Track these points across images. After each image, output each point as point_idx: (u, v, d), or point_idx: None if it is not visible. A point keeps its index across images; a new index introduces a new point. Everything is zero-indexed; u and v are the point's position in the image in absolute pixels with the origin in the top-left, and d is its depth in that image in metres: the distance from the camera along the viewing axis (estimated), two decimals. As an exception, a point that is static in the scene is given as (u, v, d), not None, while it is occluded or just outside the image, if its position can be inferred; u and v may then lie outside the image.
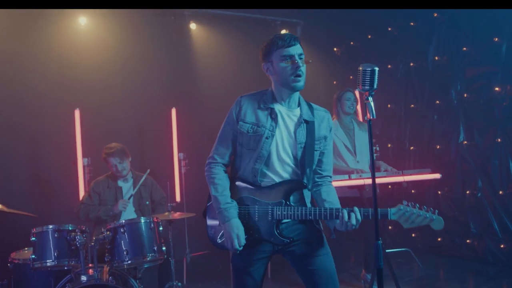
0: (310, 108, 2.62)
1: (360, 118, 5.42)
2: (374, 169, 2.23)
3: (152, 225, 3.73)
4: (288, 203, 2.47)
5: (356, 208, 2.36)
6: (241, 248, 2.45)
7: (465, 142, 5.74)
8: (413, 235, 6.32)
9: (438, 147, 6.05)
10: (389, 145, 6.63)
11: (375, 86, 2.19)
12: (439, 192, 6.01)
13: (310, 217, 2.43)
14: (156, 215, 4.12)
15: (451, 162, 5.87)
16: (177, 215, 4.34)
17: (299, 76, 2.47)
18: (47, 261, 3.43)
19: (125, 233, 3.59)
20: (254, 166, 2.51)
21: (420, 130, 6.33)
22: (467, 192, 5.71)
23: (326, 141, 2.61)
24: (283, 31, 7.09)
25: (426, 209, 2.40)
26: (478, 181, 5.59)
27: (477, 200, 5.60)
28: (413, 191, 6.32)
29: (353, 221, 2.34)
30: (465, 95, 5.74)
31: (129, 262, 3.57)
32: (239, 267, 2.58)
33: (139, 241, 3.60)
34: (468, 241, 5.71)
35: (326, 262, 2.53)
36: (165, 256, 3.83)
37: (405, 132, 6.54)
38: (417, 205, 2.40)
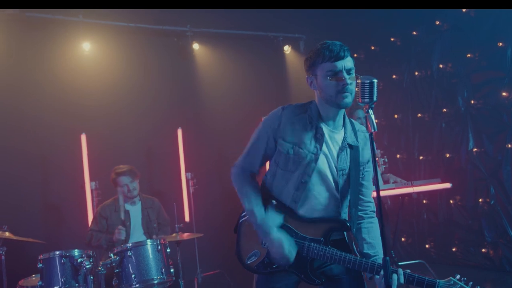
0: (354, 129, 2.36)
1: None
2: (378, 183, 2.17)
3: (159, 247, 3.70)
4: (327, 242, 2.25)
5: (400, 270, 2.15)
6: (291, 261, 2.24)
7: (475, 149, 5.66)
8: (427, 246, 6.21)
9: (448, 155, 5.97)
10: (398, 156, 6.56)
11: (374, 99, 2.13)
12: (451, 201, 5.92)
13: (349, 266, 2.20)
14: (163, 237, 4.09)
15: (462, 170, 5.79)
16: (185, 235, 4.31)
17: (345, 93, 2.20)
18: (55, 287, 3.42)
19: (132, 257, 3.57)
20: (296, 192, 2.27)
21: (429, 139, 6.25)
22: (480, 200, 5.61)
23: (368, 163, 2.37)
24: (286, 47, 7.10)
25: (474, 286, 2.17)
26: (491, 188, 5.49)
27: (490, 208, 5.50)
28: (424, 201, 6.23)
29: (394, 285, 2.11)
30: (472, 101, 5.68)
31: (137, 285, 3.55)
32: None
33: (146, 263, 3.58)
34: (483, 250, 5.59)
35: None
36: (174, 278, 3.79)
37: (413, 142, 6.47)
38: (471, 283, 2.16)
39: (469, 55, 5.68)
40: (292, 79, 7.16)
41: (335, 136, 2.31)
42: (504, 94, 5.33)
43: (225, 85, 6.77)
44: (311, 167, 2.25)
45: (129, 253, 3.57)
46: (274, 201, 2.34)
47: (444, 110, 6.02)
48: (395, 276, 2.14)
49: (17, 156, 5.49)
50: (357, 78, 2.15)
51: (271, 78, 7.03)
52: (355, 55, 7.30)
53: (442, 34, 6.01)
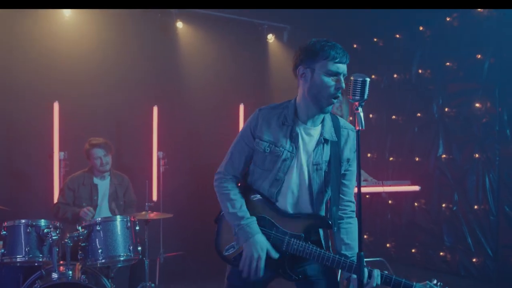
0: (336, 124, 2.35)
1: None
2: (360, 182, 2.20)
3: (128, 224, 3.64)
4: (307, 239, 2.26)
5: (377, 271, 2.17)
6: (260, 275, 2.22)
7: (444, 155, 5.81)
8: (388, 245, 6.37)
9: (417, 159, 6.11)
10: (369, 155, 6.67)
11: (365, 97, 2.15)
12: (416, 204, 6.07)
13: (327, 263, 2.21)
14: (133, 214, 4.03)
15: (429, 174, 5.94)
16: (153, 215, 4.25)
17: (337, 97, 2.22)
18: (17, 256, 3.32)
19: (101, 231, 3.49)
20: (270, 188, 2.30)
21: (400, 141, 6.38)
22: (443, 205, 5.78)
23: (349, 162, 2.34)
24: (270, 36, 7.08)
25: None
26: (455, 195, 5.66)
27: (452, 214, 5.68)
28: (390, 201, 6.36)
29: (372, 284, 2.13)
30: (446, 109, 5.82)
31: (103, 261, 3.47)
32: (236, 286, 2.39)
33: (115, 240, 3.51)
34: (441, 253, 5.77)
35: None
36: (140, 256, 3.75)
37: (385, 143, 6.58)
38: None
39: (448, 63, 5.81)
40: (272, 68, 7.14)
41: (311, 132, 2.32)
42: (477, 105, 5.48)
43: (205, 66, 6.70)
44: (286, 165, 2.28)
45: (98, 228, 3.49)
46: (256, 196, 2.35)
47: (418, 114, 6.15)
48: (376, 272, 2.16)
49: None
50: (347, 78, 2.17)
51: (252, 65, 7.00)
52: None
53: (424, 40, 6.11)
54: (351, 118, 4.96)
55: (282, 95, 7.33)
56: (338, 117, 2.43)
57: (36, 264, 3.42)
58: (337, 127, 2.34)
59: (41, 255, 3.37)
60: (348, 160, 2.34)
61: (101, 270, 3.75)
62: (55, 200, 4.60)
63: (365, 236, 6.64)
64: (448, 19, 5.78)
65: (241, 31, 6.97)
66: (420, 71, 6.15)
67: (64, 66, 5.70)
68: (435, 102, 5.93)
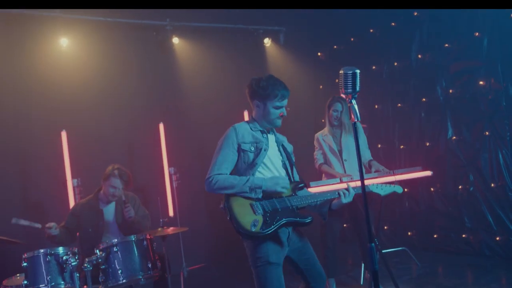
0: (276, 135, 3.28)
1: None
2: (362, 172, 2.21)
3: (145, 242, 3.69)
4: (297, 195, 3.04)
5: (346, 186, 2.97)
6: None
7: (454, 137, 5.77)
8: (409, 233, 6.32)
9: (427, 144, 6.07)
10: (379, 146, 6.64)
11: (357, 89, 2.18)
12: (432, 189, 6.03)
13: (321, 198, 3.01)
14: (148, 232, 4.06)
15: (441, 158, 5.89)
16: (170, 230, 4.28)
17: (281, 119, 3.13)
18: (40, 285, 3.40)
19: (118, 252, 3.55)
20: (254, 174, 3.01)
21: (408, 128, 6.35)
22: (460, 187, 5.72)
23: (292, 155, 3.28)
24: (266, 39, 7.11)
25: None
26: (469, 175, 5.61)
27: (469, 195, 5.62)
28: (406, 189, 6.31)
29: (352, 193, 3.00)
30: (451, 91, 5.78)
31: (124, 281, 3.53)
32: (272, 260, 2.87)
33: (133, 259, 3.57)
34: (463, 235, 5.72)
35: (311, 249, 3.13)
36: (160, 272, 3.79)
37: (394, 132, 6.55)
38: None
39: (446, 45, 5.78)
40: (272, 72, 7.11)
41: (270, 138, 3.18)
42: (481, 83, 5.44)
43: (206, 78, 6.75)
44: (264, 154, 3.06)
45: (115, 249, 3.54)
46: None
47: (423, 99, 6.11)
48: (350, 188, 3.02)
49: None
50: (287, 109, 3.13)
51: (252, 71, 6.94)
52: (335, 46, 7.35)
53: (420, 25, 6.09)
54: (352, 118, 4.96)
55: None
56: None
57: (59, 291, 3.47)
58: (278, 136, 3.28)
59: (63, 282, 3.44)
60: (292, 151, 3.31)
61: (124, 291, 3.79)
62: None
63: (385, 227, 6.60)
64: None
65: (238, 39, 7.02)
66: (419, 56, 6.12)
67: (67, 95, 5.79)
68: (439, 85, 5.90)
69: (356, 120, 2.21)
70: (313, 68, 7.59)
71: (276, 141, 3.22)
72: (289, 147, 3.31)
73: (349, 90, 2.18)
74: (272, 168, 3.09)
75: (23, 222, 3.92)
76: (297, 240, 3.07)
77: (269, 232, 2.82)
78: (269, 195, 2.94)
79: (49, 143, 5.59)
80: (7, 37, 5.56)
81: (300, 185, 3.13)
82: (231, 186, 2.92)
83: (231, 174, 3.03)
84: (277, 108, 3.07)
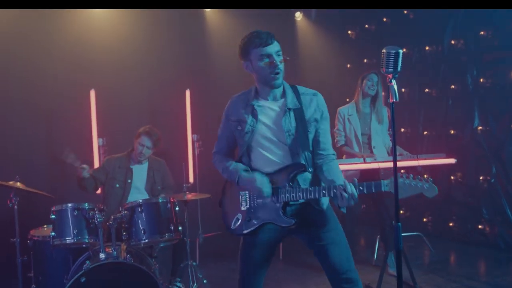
0: (296, 93, 2.66)
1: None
2: (395, 154, 2.22)
3: (169, 205, 3.77)
4: (291, 186, 2.54)
5: (347, 183, 2.39)
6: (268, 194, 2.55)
7: (480, 127, 5.71)
8: (424, 219, 6.34)
9: (452, 132, 6.02)
10: (402, 130, 6.61)
11: (398, 69, 2.19)
12: (452, 177, 6.00)
13: (311, 196, 2.48)
14: (172, 196, 4.14)
15: (464, 147, 5.84)
16: (191, 196, 4.36)
17: (278, 73, 2.56)
18: (67, 238, 3.50)
19: (143, 213, 3.64)
20: (241, 160, 2.71)
21: (434, 115, 6.29)
22: (481, 177, 5.69)
23: (318, 122, 2.65)
24: (298, 13, 7.04)
25: (420, 178, 2.44)
26: (492, 167, 5.56)
27: (490, 186, 5.59)
28: (425, 175, 6.28)
29: (350, 197, 2.37)
30: (481, 80, 5.69)
31: (147, 241, 3.63)
32: (249, 242, 2.70)
33: (157, 220, 3.66)
34: (480, 226, 5.71)
35: (335, 236, 2.62)
36: (181, 236, 3.88)
37: (419, 117, 6.50)
38: (411, 176, 2.43)
39: (482, 32, 5.65)
40: (301, 46, 7.14)
41: (274, 105, 2.65)
42: (513, 74, 5.35)
43: (235, 48, 6.67)
44: (247, 137, 2.63)
45: (140, 209, 3.63)
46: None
47: (452, 86, 6.03)
48: (350, 186, 2.37)
49: (27, 109, 5.51)
50: (284, 60, 2.58)
51: (282, 43, 6.95)
52: (366, 26, 7.25)
53: (456, 10, 5.95)
54: (383, 93, 4.91)
55: (310, 72, 7.34)
56: (297, 86, 2.72)
57: (84, 245, 3.59)
58: (298, 95, 2.65)
59: (88, 237, 3.54)
60: (315, 120, 2.63)
61: (144, 250, 3.91)
62: None
63: (401, 212, 6.62)
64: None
65: (269, 13, 6.95)
66: (453, 42, 6.01)
67: (97, 55, 5.85)
68: (469, 73, 5.80)
69: (394, 100, 2.21)
70: (343, 46, 7.52)
71: (284, 109, 2.61)
72: (313, 112, 2.62)
73: (390, 70, 2.19)
74: (266, 149, 2.63)
75: (72, 157, 4.10)
76: (308, 223, 2.62)
77: (245, 232, 2.64)
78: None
79: (77, 101, 5.68)
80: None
81: (300, 169, 2.57)
82: (220, 169, 2.80)
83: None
84: (263, 58, 2.54)
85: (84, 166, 4.18)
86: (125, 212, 3.62)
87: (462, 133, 5.91)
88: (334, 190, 2.41)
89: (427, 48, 6.36)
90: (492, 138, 5.59)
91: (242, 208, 2.66)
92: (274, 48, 2.56)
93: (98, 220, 3.44)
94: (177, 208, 3.85)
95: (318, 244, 2.61)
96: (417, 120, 6.51)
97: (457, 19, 5.95)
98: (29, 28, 5.55)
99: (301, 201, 2.58)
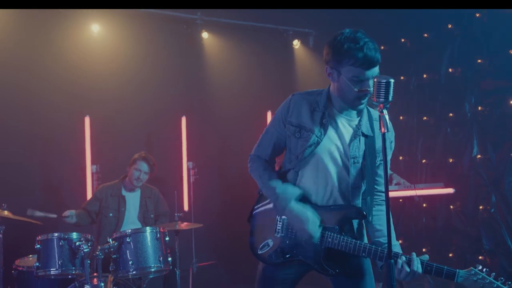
0: (370, 118, 2.29)
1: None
2: (387, 186, 2.12)
3: (158, 235, 3.68)
4: (342, 231, 2.22)
5: (414, 257, 2.09)
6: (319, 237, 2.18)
7: (479, 156, 5.64)
8: (423, 250, 6.20)
9: (451, 160, 5.95)
10: (401, 158, 6.53)
11: (390, 99, 2.10)
12: (452, 207, 5.90)
13: (363, 255, 2.17)
14: (162, 225, 4.05)
15: (464, 176, 5.76)
16: (184, 225, 4.28)
17: (365, 99, 2.20)
18: (51, 269, 3.41)
19: (131, 243, 3.55)
20: (286, 176, 2.34)
21: (432, 143, 6.23)
22: (480, 207, 5.59)
23: (380, 154, 2.27)
24: (296, 41, 7.03)
25: (496, 278, 2.08)
26: (492, 196, 5.47)
27: (490, 216, 5.49)
28: (424, 205, 6.21)
29: (414, 271, 2.07)
30: (479, 108, 5.65)
31: (134, 272, 3.53)
32: (269, 277, 2.37)
33: (145, 251, 3.56)
34: (480, 257, 5.58)
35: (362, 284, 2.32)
36: (171, 267, 3.77)
37: (417, 145, 6.44)
38: (493, 274, 2.09)
39: (479, 61, 5.64)
40: (299, 74, 7.10)
41: (346, 123, 2.28)
42: (511, 102, 5.31)
43: (232, 76, 6.72)
44: (310, 151, 2.23)
45: (128, 239, 3.54)
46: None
47: (450, 114, 5.99)
48: (416, 260, 2.08)
49: (20, 135, 5.46)
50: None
51: (279, 72, 6.98)
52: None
53: (453, 38, 5.96)
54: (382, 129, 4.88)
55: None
56: (371, 109, 2.38)
57: (69, 276, 3.49)
58: (371, 120, 2.30)
59: (74, 268, 3.45)
60: (380, 151, 2.27)
61: (133, 282, 3.80)
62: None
63: (400, 241, 6.45)
64: (477, 15, 5.63)
65: (267, 38, 6.97)
66: (450, 70, 6.00)
67: (93, 82, 5.81)
68: (467, 101, 5.77)
69: (386, 131, 2.12)
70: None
71: (357, 132, 2.24)
72: (379, 143, 2.23)
73: (381, 99, 2.09)
74: (325, 172, 2.24)
75: (38, 213, 3.97)
76: (345, 271, 2.27)
77: (274, 263, 2.31)
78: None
79: (71, 128, 5.62)
80: (40, 21, 5.59)
81: (358, 217, 2.26)
82: (258, 180, 2.37)
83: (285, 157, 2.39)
84: (355, 81, 2.13)
85: (67, 213, 4.11)
86: (113, 242, 3.52)
87: (461, 162, 5.84)
88: (395, 258, 2.06)
89: (424, 76, 6.34)
90: (491, 167, 5.52)
91: (276, 235, 2.30)
92: (375, 72, 2.15)
93: (85, 250, 3.34)
94: (167, 238, 3.75)
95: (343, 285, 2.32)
96: (416, 148, 6.44)
97: (454, 48, 5.96)
98: (25, 54, 5.53)
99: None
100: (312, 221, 2.19)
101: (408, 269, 2.07)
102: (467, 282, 2.07)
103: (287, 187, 2.27)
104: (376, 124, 2.28)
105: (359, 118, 2.29)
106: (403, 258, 2.09)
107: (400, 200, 5.75)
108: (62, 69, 5.68)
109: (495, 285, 2.03)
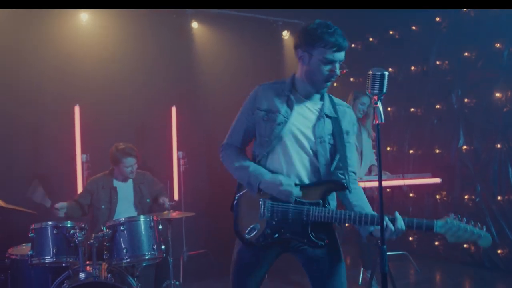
0: (332, 102, 2.46)
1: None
2: (380, 174, 2.20)
3: (151, 223, 3.70)
4: (325, 204, 2.32)
5: (397, 215, 2.23)
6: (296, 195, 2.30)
7: (465, 146, 5.75)
8: (410, 238, 6.32)
9: (437, 151, 6.06)
10: (388, 149, 6.63)
11: (384, 91, 2.19)
12: (438, 196, 6.02)
13: (350, 222, 2.26)
14: (155, 214, 4.08)
15: (450, 166, 5.88)
16: (175, 214, 4.31)
17: (330, 82, 2.38)
18: (46, 257, 3.40)
19: (125, 231, 3.57)
20: (259, 163, 2.41)
21: (420, 134, 6.33)
22: (466, 197, 5.72)
23: (348, 135, 2.45)
24: (285, 32, 7.07)
25: (474, 224, 2.28)
26: (477, 186, 5.60)
27: (475, 205, 5.61)
28: (411, 194, 6.32)
29: (398, 229, 2.21)
30: (466, 100, 5.75)
31: (128, 260, 3.55)
32: (245, 263, 2.46)
33: (139, 239, 3.58)
34: (465, 245, 5.72)
35: (340, 272, 2.42)
36: (164, 254, 3.81)
37: (404, 136, 6.53)
38: (465, 219, 2.28)
39: (466, 53, 5.73)
40: (288, 65, 7.14)
41: (311, 106, 2.43)
42: (497, 95, 5.41)
43: (222, 65, 6.74)
44: (279, 128, 2.35)
45: (122, 228, 3.56)
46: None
47: (438, 106, 6.09)
48: (396, 223, 2.21)
49: (10, 122, 5.42)
50: (342, 72, 2.35)
51: (268, 62, 7.01)
52: (353, 45, 7.31)
53: (441, 31, 6.04)
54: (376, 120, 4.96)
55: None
56: (331, 95, 2.53)
57: (63, 264, 3.50)
58: (334, 105, 2.47)
59: (68, 256, 3.45)
60: (347, 132, 2.45)
61: (126, 269, 3.82)
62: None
63: (386, 230, 6.59)
64: (464, 10, 5.71)
65: (256, 29, 7.00)
66: (437, 62, 6.09)
67: (82, 70, 5.79)
68: (454, 93, 5.87)
69: (379, 122, 2.20)
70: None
71: (321, 114, 2.40)
72: (347, 124, 2.45)
73: (375, 91, 2.18)
74: (296, 151, 2.36)
75: (40, 190, 3.93)
76: (313, 250, 2.38)
77: (263, 243, 2.36)
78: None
79: (61, 116, 5.60)
80: (25, 10, 5.52)
81: (340, 189, 2.37)
82: (230, 165, 2.46)
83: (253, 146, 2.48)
84: (327, 62, 2.30)
85: (58, 206, 4.04)
86: (107, 230, 3.54)
87: (447, 152, 5.95)
88: (379, 220, 2.17)
89: (412, 68, 6.42)
90: (477, 157, 5.63)
91: (262, 218, 2.35)
92: (342, 56, 2.32)
93: (79, 239, 3.35)
94: (160, 227, 3.78)
95: (319, 274, 2.40)
96: (403, 139, 6.54)
97: (442, 41, 6.04)
98: (13, 42, 5.48)
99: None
100: (285, 181, 2.29)
101: (393, 228, 2.20)
102: (444, 230, 2.27)
103: (258, 166, 2.39)
104: (339, 108, 2.46)
105: (322, 102, 2.44)
106: (387, 218, 2.21)
107: (388, 189, 5.86)
108: (51, 58, 5.64)
109: (468, 228, 2.24)
